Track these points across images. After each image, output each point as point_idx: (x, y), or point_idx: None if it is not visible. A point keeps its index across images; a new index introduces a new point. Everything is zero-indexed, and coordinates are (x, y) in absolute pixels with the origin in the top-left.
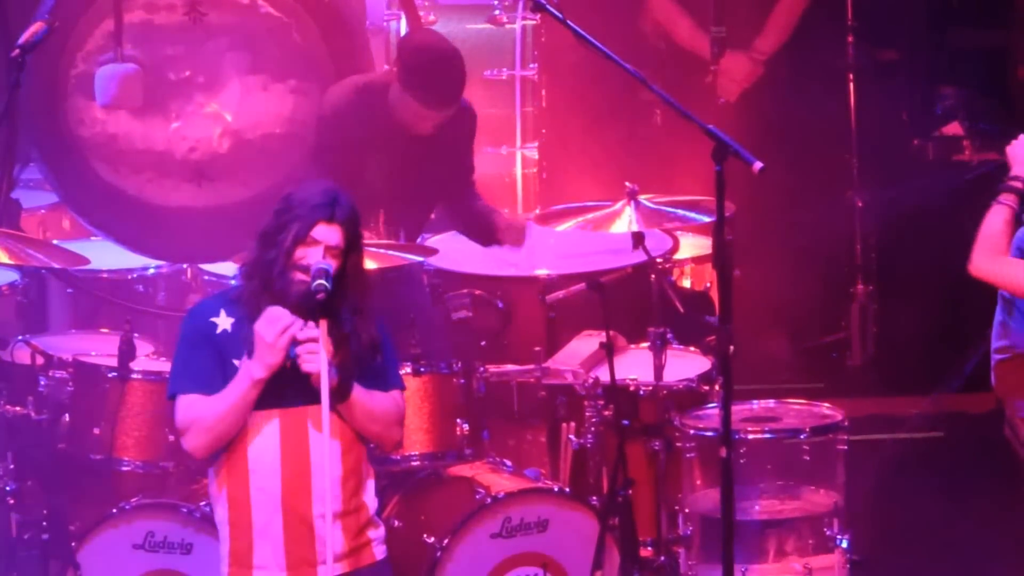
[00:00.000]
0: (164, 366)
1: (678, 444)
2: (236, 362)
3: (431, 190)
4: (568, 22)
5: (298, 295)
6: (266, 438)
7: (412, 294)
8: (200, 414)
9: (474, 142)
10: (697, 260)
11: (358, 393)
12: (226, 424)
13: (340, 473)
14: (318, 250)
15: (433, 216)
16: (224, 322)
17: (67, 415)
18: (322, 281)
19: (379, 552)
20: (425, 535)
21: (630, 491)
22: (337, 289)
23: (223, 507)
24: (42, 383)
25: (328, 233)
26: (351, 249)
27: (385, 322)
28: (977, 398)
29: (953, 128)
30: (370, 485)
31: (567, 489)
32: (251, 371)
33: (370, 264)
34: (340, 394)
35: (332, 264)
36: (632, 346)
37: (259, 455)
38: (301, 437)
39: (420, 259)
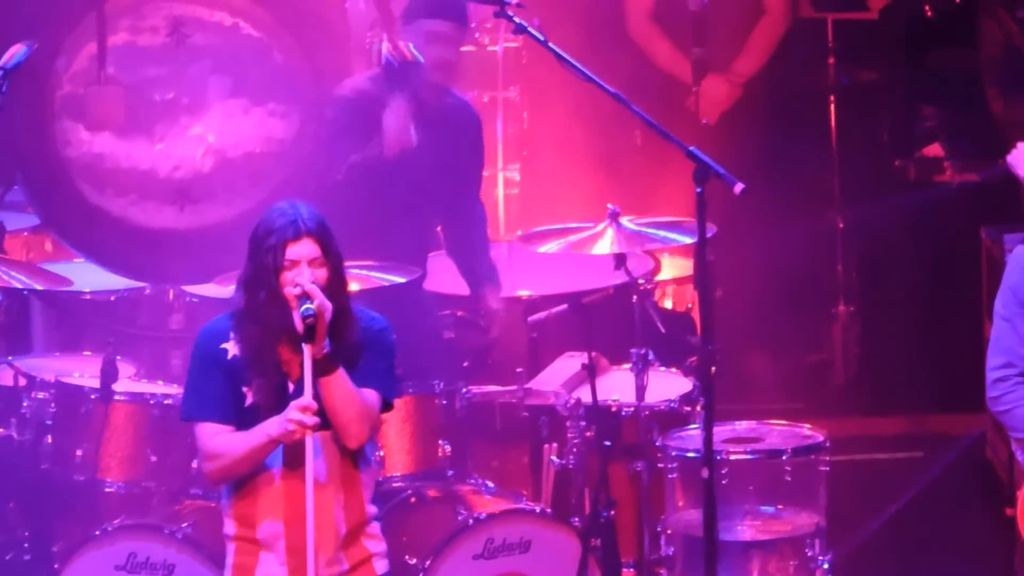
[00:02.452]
0: (146, 387)
1: (660, 465)
2: (245, 390)
3: (432, 201)
4: (550, 44)
5: (296, 327)
6: (272, 458)
7: (404, 312)
8: (226, 451)
9: (482, 155)
10: (679, 281)
11: (342, 374)
12: (245, 466)
13: (340, 495)
14: (300, 270)
15: None
16: (234, 348)
17: (50, 436)
18: (308, 306)
19: (380, 567)
20: (407, 556)
21: (612, 512)
22: (331, 295)
23: (231, 522)
24: (24, 404)
25: (300, 249)
26: (328, 253)
27: (399, 337)
28: (959, 419)
29: (934, 149)
30: (370, 506)
31: (549, 510)
32: (269, 429)
33: (354, 286)
34: (325, 367)
35: (320, 274)
36: (614, 367)
37: (266, 474)
38: (301, 457)
39: (402, 280)
